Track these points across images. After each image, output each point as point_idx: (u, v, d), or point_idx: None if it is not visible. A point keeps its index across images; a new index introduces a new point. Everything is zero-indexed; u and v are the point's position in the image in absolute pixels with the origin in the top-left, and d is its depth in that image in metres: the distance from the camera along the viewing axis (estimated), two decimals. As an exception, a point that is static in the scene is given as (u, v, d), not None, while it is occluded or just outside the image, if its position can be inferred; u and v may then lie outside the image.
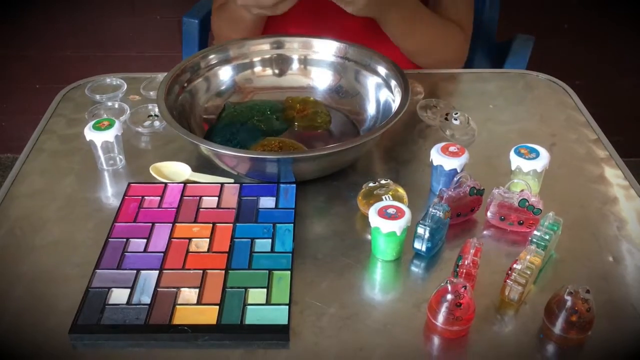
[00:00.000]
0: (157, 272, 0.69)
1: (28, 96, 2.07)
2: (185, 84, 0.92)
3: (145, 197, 0.80)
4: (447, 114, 0.93)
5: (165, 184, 0.82)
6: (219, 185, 0.82)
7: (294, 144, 0.88)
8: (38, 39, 1.96)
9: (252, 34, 1.07)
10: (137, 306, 0.65)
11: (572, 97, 1.02)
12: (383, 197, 0.74)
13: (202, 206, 0.78)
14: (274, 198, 0.80)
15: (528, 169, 0.77)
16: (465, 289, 0.62)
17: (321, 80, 0.99)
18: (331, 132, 0.94)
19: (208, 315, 0.64)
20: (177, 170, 0.85)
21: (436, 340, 0.64)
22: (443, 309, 0.62)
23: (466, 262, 0.67)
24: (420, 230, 0.70)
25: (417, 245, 0.71)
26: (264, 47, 0.99)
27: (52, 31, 1.94)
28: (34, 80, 2.04)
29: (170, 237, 0.74)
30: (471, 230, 0.76)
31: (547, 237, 0.69)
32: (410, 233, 0.71)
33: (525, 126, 0.95)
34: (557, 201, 0.78)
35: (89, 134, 0.83)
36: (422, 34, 1.05)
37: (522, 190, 0.75)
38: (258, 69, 0.99)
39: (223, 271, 0.69)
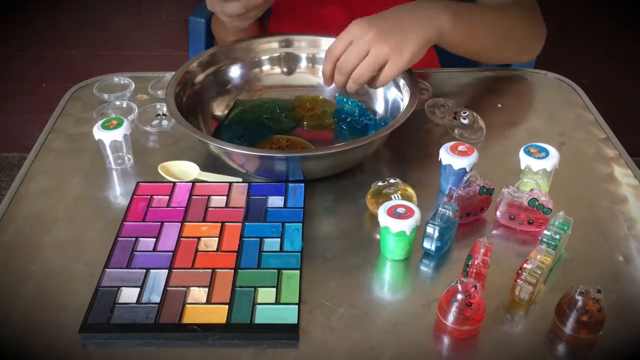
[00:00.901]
0: (167, 271, 0.69)
1: (34, 95, 2.07)
2: (194, 83, 0.92)
3: (154, 196, 0.80)
4: (455, 113, 0.93)
5: (174, 183, 0.82)
6: (228, 184, 0.82)
7: (302, 143, 0.88)
8: (43, 38, 1.96)
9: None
10: (147, 305, 0.65)
11: (581, 95, 1.01)
12: (392, 196, 0.74)
13: (211, 205, 0.78)
14: (283, 197, 0.79)
15: (538, 168, 0.77)
16: (476, 288, 0.62)
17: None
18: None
19: (217, 314, 0.64)
20: (186, 170, 0.85)
21: (446, 340, 0.63)
22: (453, 309, 0.62)
23: (476, 262, 0.66)
24: (429, 229, 0.70)
25: (427, 244, 0.71)
26: (272, 45, 0.99)
27: (57, 30, 1.95)
28: (40, 79, 2.05)
29: (179, 236, 0.74)
30: (480, 230, 0.76)
31: (557, 236, 0.69)
32: (419, 232, 0.71)
33: (534, 125, 0.95)
34: (567, 200, 0.78)
35: (98, 133, 0.83)
36: (485, 35, 0.95)
37: (531, 190, 0.75)
38: (266, 67, 0.99)
39: (232, 270, 0.69)
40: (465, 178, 0.75)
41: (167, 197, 0.80)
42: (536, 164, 0.76)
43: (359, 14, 0.86)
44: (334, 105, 0.96)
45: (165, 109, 0.95)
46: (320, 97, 0.97)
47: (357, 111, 0.93)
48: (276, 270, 0.69)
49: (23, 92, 2.09)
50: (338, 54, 0.84)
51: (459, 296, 0.62)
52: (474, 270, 0.66)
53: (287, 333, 0.63)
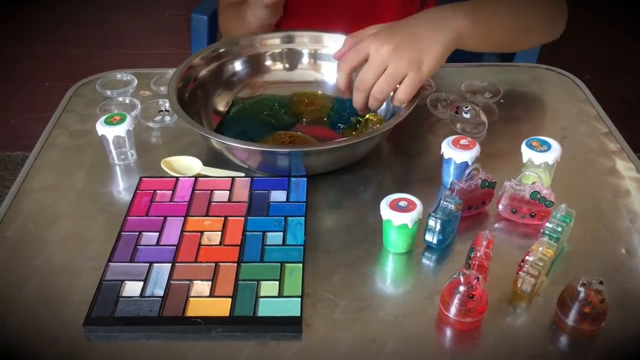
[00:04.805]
0: (170, 265, 0.69)
1: (37, 94, 2.08)
2: (196, 78, 0.92)
3: (157, 191, 0.80)
4: (457, 108, 0.93)
5: (177, 178, 0.82)
6: (230, 179, 0.82)
7: (305, 138, 0.88)
8: (46, 37, 1.96)
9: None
10: (150, 298, 0.65)
11: (583, 90, 1.01)
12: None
13: (214, 200, 0.79)
14: (285, 192, 0.80)
15: (540, 161, 0.77)
16: (478, 280, 0.62)
17: (331, 74, 0.99)
18: (341, 126, 0.94)
19: (221, 307, 0.64)
20: (188, 165, 0.85)
21: (448, 331, 0.64)
22: (455, 301, 0.62)
23: (478, 254, 0.66)
24: (431, 222, 0.70)
25: (428, 237, 0.71)
26: (274, 41, 0.99)
27: (59, 29, 1.95)
28: (43, 78, 2.05)
29: (182, 231, 0.74)
30: (482, 223, 0.76)
31: (559, 229, 0.69)
32: (421, 226, 0.71)
33: (536, 119, 0.95)
34: (569, 194, 0.78)
35: (101, 128, 0.83)
36: (505, 27, 0.92)
37: (533, 183, 0.75)
38: (268, 63, 0.99)
39: (235, 264, 0.69)
40: (467, 171, 0.75)
41: (170, 191, 0.80)
42: (538, 157, 0.77)
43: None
44: (332, 100, 0.96)
45: (167, 105, 0.95)
46: (319, 92, 0.97)
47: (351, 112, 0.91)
48: (279, 264, 0.69)
49: (26, 91, 2.09)
50: (353, 65, 0.82)
51: (462, 288, 0.62)
52: (477, 263, 0.66)
53: (290, 325, 0.63)
